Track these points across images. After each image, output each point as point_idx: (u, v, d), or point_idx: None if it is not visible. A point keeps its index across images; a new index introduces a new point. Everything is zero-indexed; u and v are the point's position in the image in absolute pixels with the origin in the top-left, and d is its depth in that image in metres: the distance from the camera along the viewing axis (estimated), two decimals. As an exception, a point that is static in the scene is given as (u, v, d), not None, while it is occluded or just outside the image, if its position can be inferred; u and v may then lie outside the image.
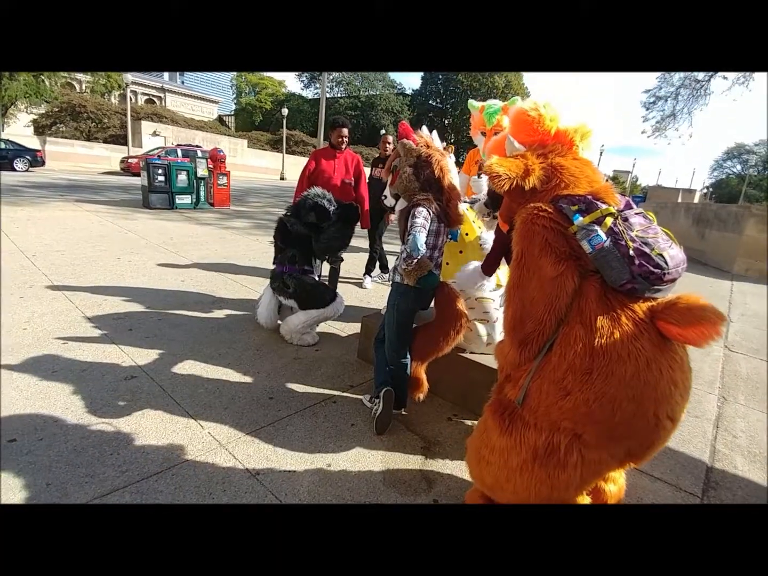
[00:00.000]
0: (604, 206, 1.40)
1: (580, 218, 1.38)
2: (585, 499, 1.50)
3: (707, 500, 2.04)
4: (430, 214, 2.08)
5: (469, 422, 2.49)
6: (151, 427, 2.16)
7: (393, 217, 4.71)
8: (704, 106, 17.44)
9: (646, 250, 1.31)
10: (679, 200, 18.50)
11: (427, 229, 2.05)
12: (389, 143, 5.06)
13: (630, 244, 1.32)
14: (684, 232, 11.17)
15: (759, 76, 15.89)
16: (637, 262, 1.30)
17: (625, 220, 1.39)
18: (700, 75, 16.78)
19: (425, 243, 2.05)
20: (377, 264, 5.32)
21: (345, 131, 3.98)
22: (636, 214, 1.44)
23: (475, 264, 2.37)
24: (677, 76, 17.22)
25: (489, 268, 2.26)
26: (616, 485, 1.65)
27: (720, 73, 16.27)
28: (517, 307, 1.49)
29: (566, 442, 1.34)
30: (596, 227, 1.36)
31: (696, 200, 24.08)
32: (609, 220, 1.37)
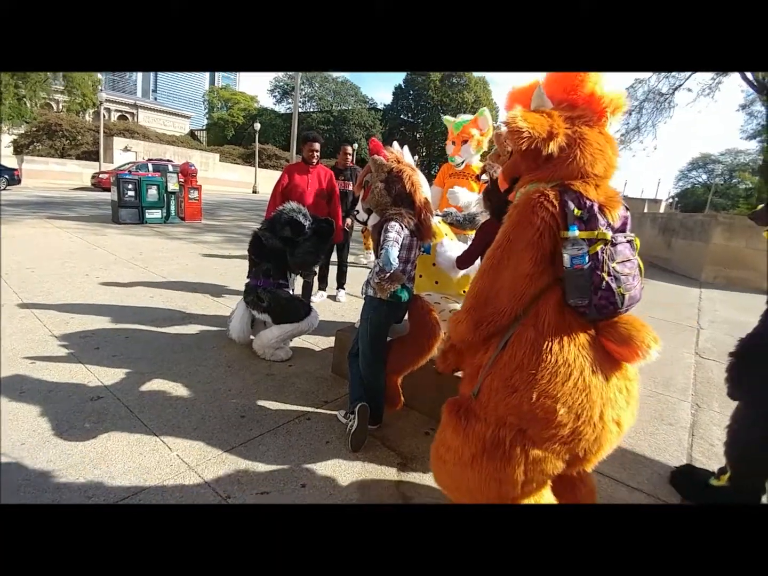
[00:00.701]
0: (603, 227, 1.37)
1: (577, 231, 1.35)
2: (543, 500, 1.49)
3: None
4: (402, 228, 2.10)
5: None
6: (117, 450, 2.07)
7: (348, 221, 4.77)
8: (668, 119, 18.26)
9: (613, 285, 1.35)
10: (645, 210, 19.18)
11: (400, 243, 2.06)
12: (349, 154, 4.99)
13: (605, 276, 1.34)
14: (651, 241, 11.58)
15: (724, 87, 16.68)
16: (599, 294, 1.35)
17: (613, 245, 1.37)
18: (664, 88, 17.60)
19: (398, 257, 2.06)
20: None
21: (316, 146, 3.99)
22: (627, 241, 1.42)
23: (451, 253, 2.41)
24: (641, 90, 18.00)
25: (463, 263, 2.30)
26: (586, 486, 1.67)
27: (684, 86, 17.07)
28: (483, 288, 1.49)
29: (511, 436, 1.37)
30: (585, 247, 1.34)
31: (662, 210, 25.02)
32: (599, 246, 1.35)
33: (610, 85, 1.48)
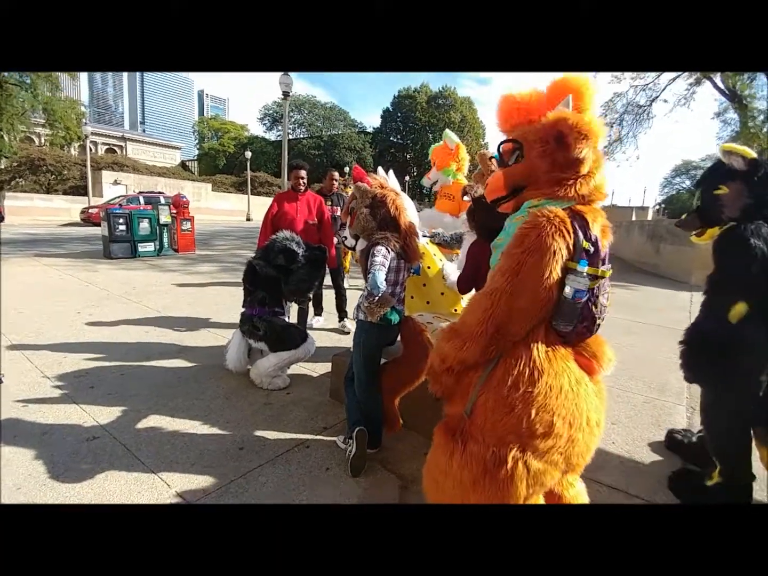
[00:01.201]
0: (602, 263, 1.40)
1: (586, 266, 1.34)
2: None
3: (681, 513, 2.07)
4: (389, 252, 2.14)
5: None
6: (114, 491, 2.05)
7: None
8: (648, 129, 18.78)
9: (597, 317, 1.43)
10: (633, 218, 19.43)
11: (387, 266, 2.10)
12: (335, 179, 5.00)
13: (593, 309, 1.40)
14: (639, 248, 11.72)
15: (698, 96, 17.24)
16: (584, 323, 1.41)
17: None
18: (642, 100, 18.13)
19: (386, 280, 2.10)
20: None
21: (302, 173, 4.06)
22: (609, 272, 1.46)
23: (452, 276, 2.51)
24: (620, 104, 18.52)
25: (465, 288, 2.29)
26: (574, 489, 1.68)
27: (661, 97, 17.60)
28: (497, 314, 1.39)
29: (512, 454, 1.37)
30: (588, 282, 1.35)
31: (650, 217, 25.36)
32: (597, 283, 1.39)
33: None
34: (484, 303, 1.42)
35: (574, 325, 1.40)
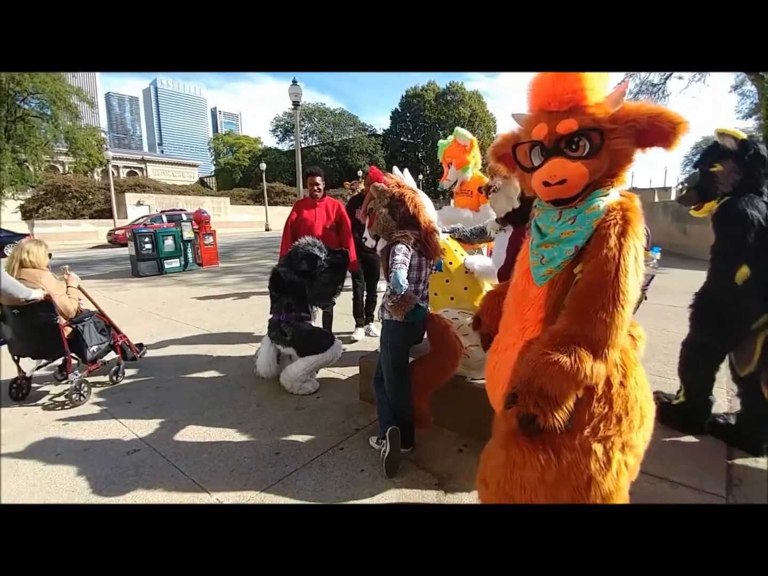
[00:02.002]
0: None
1: (658, 252, 1.36)
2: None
3: (732, 499, 2.00)
4: (409, 249, 2.14)
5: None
6: (158, 501, 2.10)
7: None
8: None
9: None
10: (656, 200, 18.89)
11: (408, 264, 2.10)
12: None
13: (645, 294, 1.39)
14: (665, 230, 11.37)
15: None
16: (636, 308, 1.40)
17: None
18: (656, 78, 17.65)
19: (408, 278, 2.09)
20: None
21: (317, 179, 4.09)
22: None
23: (482, 262, 2.56)
24: (633, 84, 18.09)
25: (504, 276, 2.15)
26: None
27: (675, 74, 17.12)
28: (623, 322, 1.27)
29: (616, 457, 1.31)
30: (657, 268, 1.35)
31: (673, 197, 24.61)
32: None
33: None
34: (604, 312, 1.25)
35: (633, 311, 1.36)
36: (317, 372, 3.44)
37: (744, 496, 2.02)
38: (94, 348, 3.39)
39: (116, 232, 19.90)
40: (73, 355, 3.26)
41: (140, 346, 3.96)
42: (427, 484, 2.18)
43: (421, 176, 41.49)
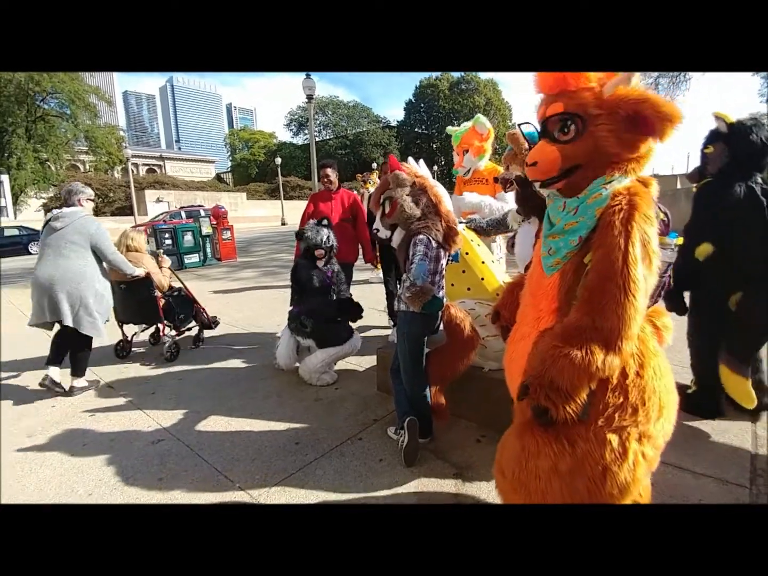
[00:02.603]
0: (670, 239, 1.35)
1: (677, 237, 1.33)
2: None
3: (756, 489, 1.97)
4: (430, 241, 2.13)
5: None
6: (183, 488, 2.16)
7: None
8: (686, 91, 17.61)
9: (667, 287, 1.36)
10: (678, 186, 18.36)
11: (429, 256, 2.09)
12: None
13: (669, 281, 1.35)
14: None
15: None
16: (661, 295, 1.34)
17: None
18: (679, 61, 17.10)
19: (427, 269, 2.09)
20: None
21: (328, 171, 4.08)
22: None
23: (526, 228, 2.40)
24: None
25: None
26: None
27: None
28: (639, 305, 1.24)
29: (632, 448, 1.29)
30: (675, 254, 1.32)
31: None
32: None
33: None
34: (617, 302, 1.22)
35: (655, 300, 1.32)
36: (335, 363, 3.47)
37: (769, 486, 1.98)
38: (182, 316, 4.21)
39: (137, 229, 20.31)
40: (165, 322, 4.06)
41: (215, 318, 4.59)
42: (445, 474, 2.19)
43: (435, 167, 41.10)
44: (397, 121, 56.65)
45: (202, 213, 14.93)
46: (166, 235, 9.94)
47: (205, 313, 4.47)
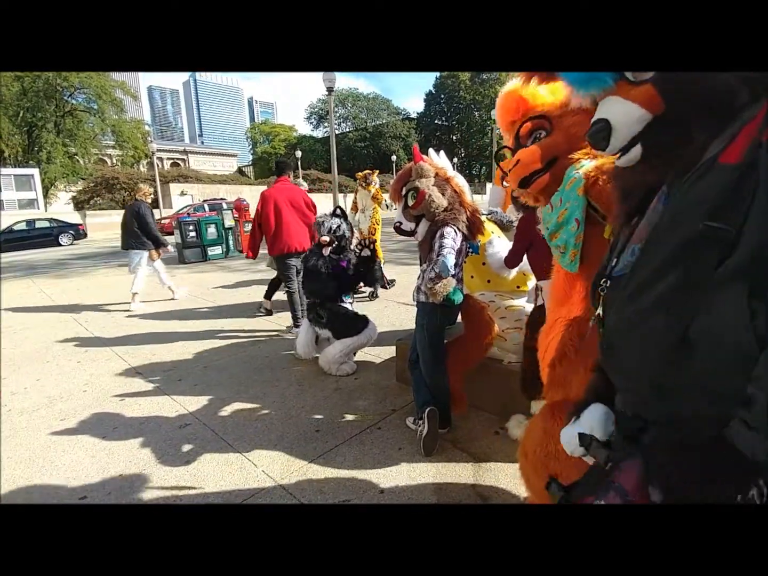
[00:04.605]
0: None
1: None
2: None
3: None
4: (457, 233, 2.13)
5: (516, 433, 2.46)
6: (209, 471, 2.25)
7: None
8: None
9: None
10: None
11: (455, 249, 2.10)
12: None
13: None
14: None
15: None
16: None
17: None
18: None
19: None
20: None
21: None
22: None
23: (500, 253, 2.41)
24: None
25: (511, 262, 2.28)
26: None
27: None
28: None
29: None
30: None
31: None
32: None
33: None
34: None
35: None
36: (354, 354, 3.52)
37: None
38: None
39: (163, 221, 20.71)
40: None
41: (392, 281, 5.37)
42: (464, 464, 2.21)
43: (455, 159, 40.72)
44: (417, 113, 56.23)
45: (225, 206, 15.17)
46: (190, 228, 10.14)
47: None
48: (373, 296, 5.67)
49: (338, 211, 3.55)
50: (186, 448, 2.47)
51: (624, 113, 0.81)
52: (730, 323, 0.59)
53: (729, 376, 0.61)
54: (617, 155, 0.85)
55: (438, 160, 2.39)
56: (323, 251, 3.42)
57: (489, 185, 3.68)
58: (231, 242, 11.20)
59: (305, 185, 5.80)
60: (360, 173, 5.93)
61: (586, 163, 1.40)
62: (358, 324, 3.43)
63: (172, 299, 6.24)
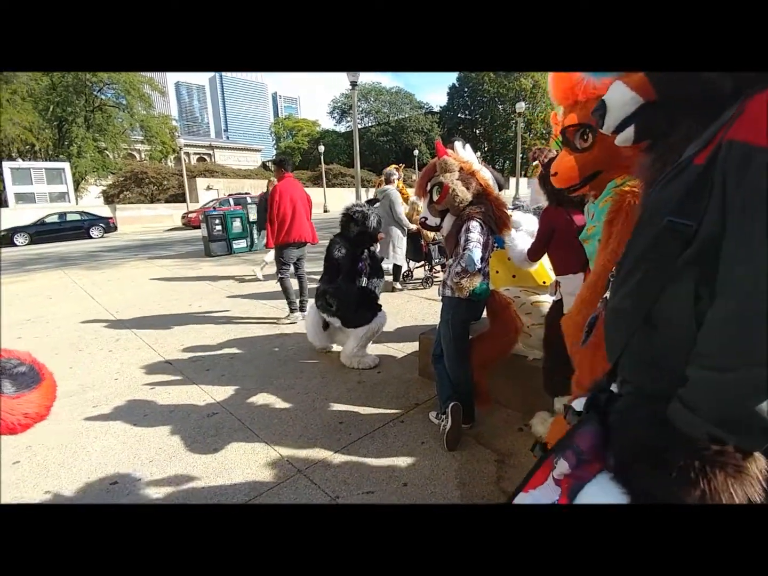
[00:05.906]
0: None
1: None
2: None
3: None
4: (483, 227, 2.12)
5: (541, 430, 2.43)
6: (235, 459, 2.30)
7: None
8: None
9: None
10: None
11: (482, 243, 2.08)
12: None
13: None
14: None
15: None
16: None
17: None
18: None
19: None
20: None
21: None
22: None
23: (520, 246, 2.35)
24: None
25: (534, 254, 2.23)
26: None
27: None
28: None
29: None
30: None
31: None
32: None
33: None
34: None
35: None
36: (371, 343, 3.52)
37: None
38: (436, 260, 6.13)
39: (189, 215, 21.13)
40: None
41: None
42: (486, 460, 2.21)
43: (478, 153, 40.09)
44: (440, 107, 55.62)
45: (249, 200, 15.34)
46: (216, 221, 10.30)
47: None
48: (427, 282, 6.13)
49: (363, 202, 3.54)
50: (214, 435, 2.54)
51: (618, 95, 0.88)
52: (680, 307, 0.70)
53: (678, 356, 0.70)
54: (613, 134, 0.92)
55: (463, 153, 2.36)
56: (371, 246, 3.46)
57: (512, 180, 3.62)
58: (255, 236, 11.35)
59: (397, 174, 6.00)
60: (377, 178, 6.40)
61: (626, 181, 1.33)
62: (366, 314, 3.41)
63: (257, 279, 6.92)
